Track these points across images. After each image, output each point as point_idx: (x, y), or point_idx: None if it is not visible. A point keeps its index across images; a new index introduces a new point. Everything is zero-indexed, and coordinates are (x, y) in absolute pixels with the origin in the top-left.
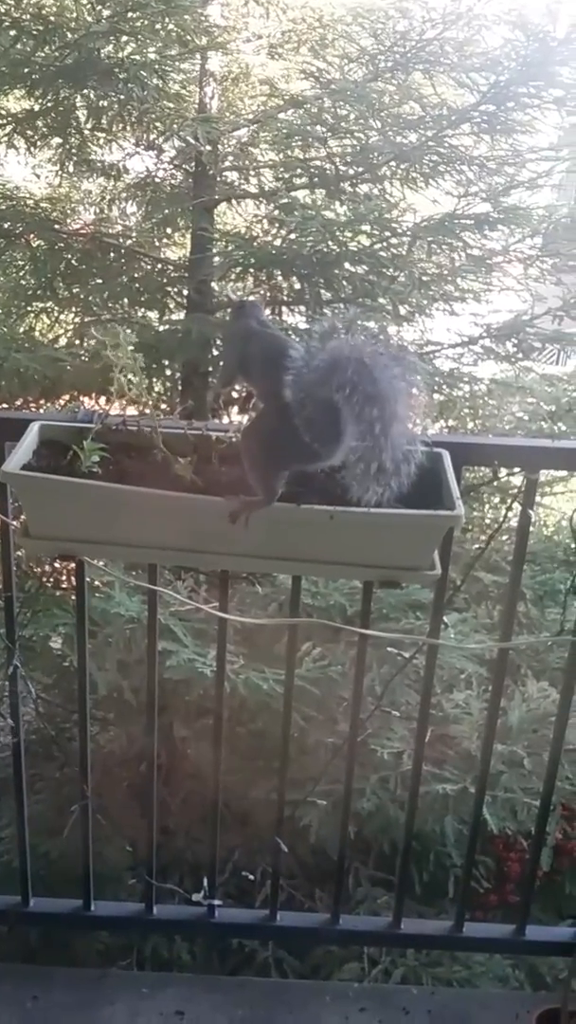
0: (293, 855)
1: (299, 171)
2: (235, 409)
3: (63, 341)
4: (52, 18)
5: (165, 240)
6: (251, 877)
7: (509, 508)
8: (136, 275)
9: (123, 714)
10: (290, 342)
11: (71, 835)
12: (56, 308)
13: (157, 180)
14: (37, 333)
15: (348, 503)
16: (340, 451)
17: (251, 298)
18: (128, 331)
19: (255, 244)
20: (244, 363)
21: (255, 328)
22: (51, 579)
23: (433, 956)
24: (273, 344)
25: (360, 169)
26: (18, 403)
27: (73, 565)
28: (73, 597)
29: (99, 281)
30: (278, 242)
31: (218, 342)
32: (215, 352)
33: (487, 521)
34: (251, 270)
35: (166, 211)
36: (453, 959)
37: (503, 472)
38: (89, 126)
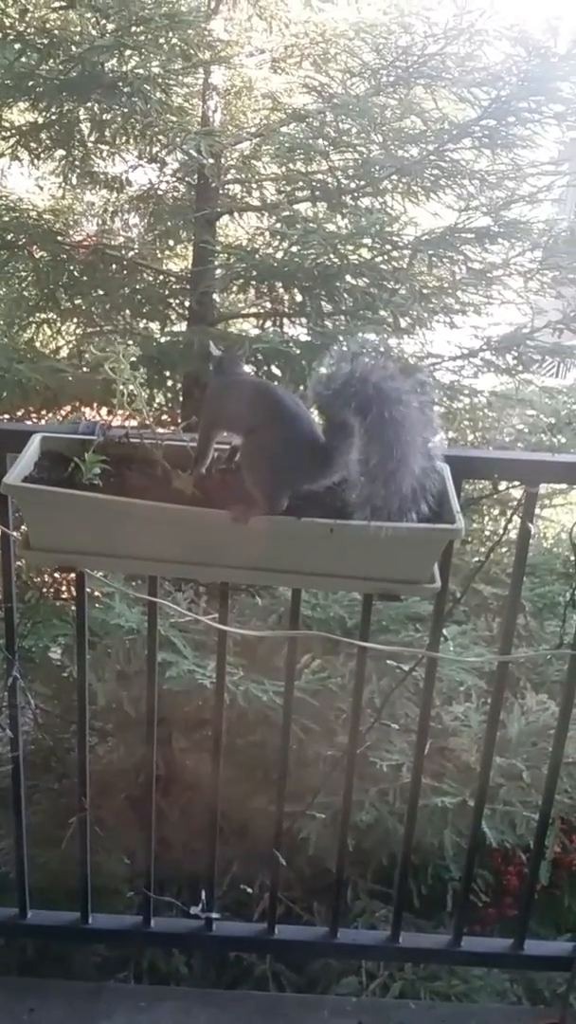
0: (291, 868)
1: (301, 184)
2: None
3: (65, 352)
4: (56, 32)
5: (167, 252)
6: (249, 890)
7: (509, 520)
8: (138, 287)
9: (122, 725)
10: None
11: (69, 847)
12: (58, 319)
13: (160, 192)
14: (39, 344)
15: (348, 516)
16: (342, 470)
17: (228, 351)
18: (130, 343)
19: (257, 256)
20: (222, 416)
21: (232, 380)
22: (51, 590)
23: (431, 970)
24: (256, 382)
25: (362, 183)
26: (19, 414)
27: (73, 576)
28: (73, 608)
29: (101, 292)
30: (280, 255)
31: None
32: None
33: (487, 533)
34: (252, 282)
35: (168, 223)
36: (451, 973)
37: (503, 484)
38: (92, 139)
